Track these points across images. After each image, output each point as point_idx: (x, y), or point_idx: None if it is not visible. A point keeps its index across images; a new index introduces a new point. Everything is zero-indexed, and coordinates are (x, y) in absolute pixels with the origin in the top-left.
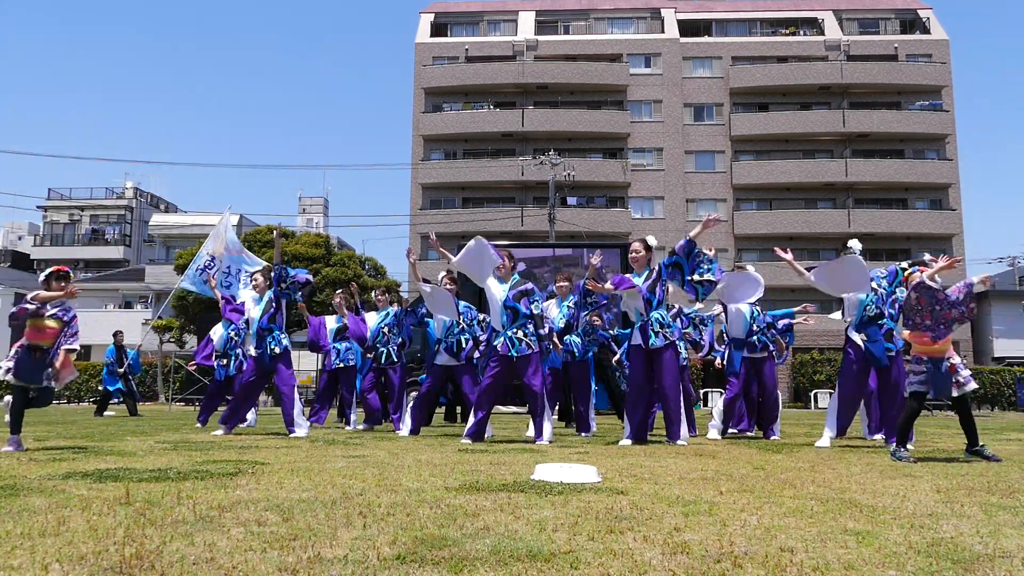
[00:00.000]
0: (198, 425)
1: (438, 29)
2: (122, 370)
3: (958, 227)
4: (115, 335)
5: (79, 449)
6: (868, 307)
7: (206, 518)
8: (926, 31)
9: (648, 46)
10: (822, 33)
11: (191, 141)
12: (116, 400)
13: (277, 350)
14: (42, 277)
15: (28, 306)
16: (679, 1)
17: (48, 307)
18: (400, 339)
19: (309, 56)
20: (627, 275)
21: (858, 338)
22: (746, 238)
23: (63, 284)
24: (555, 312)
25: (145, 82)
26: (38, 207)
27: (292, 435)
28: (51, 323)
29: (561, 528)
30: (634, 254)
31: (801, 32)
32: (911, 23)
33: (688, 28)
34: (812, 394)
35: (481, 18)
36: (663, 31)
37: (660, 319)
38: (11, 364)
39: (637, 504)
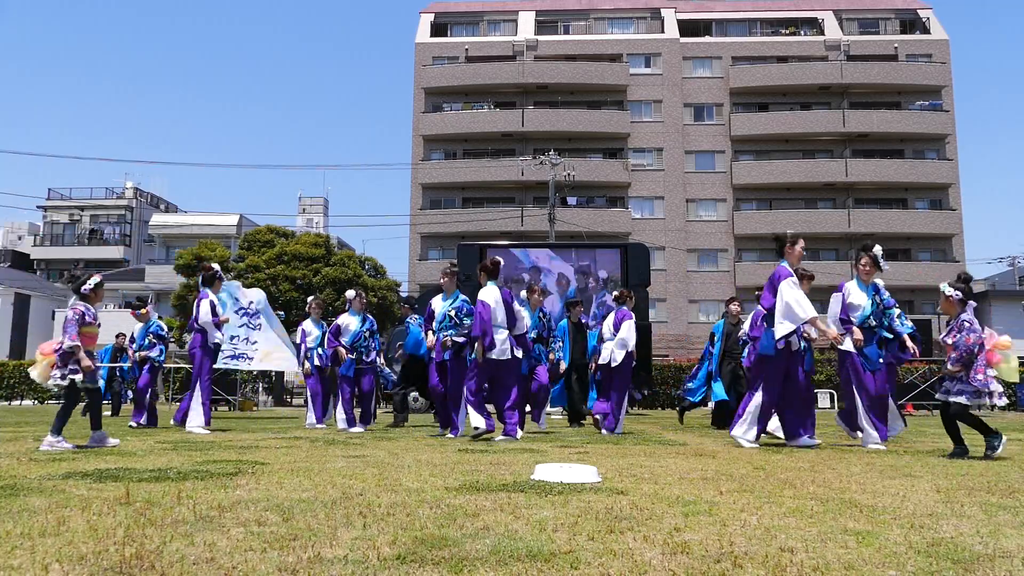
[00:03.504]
0: (173, 422)
1: (438, 29)
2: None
3: (958, 227)
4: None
5: (79, 449)
6: (869, 319)
7: (206, 518)
8: (926, 31)
9: (648, 46)
10: (822, 33)
11: (191, 141)
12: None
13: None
14: (91, 285)
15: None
16: (679, 1)
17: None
18: (377, 347)
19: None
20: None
21: (848, 344)
22: (746, 238)
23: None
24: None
25: (145, 82)
26: (38, 207)
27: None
28: (96, 330)
29: (561, 528)
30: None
31: (801, 32)
32: (911, 23)
33: (688, 28)
34: None
35: (481, 18)
36: (663, 31)
37: None
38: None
39: (637, 504)
